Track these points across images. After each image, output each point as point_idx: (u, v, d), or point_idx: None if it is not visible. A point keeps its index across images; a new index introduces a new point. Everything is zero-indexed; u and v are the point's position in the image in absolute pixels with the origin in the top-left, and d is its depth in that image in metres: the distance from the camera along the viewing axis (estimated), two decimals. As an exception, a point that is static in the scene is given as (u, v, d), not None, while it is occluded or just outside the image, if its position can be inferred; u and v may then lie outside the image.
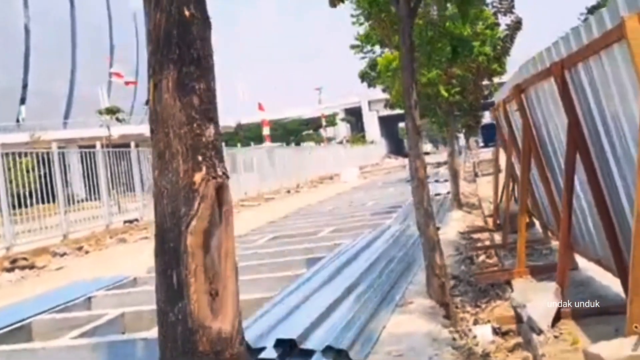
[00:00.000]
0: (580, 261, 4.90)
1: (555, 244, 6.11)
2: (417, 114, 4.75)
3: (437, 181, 19.49)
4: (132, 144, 18.40)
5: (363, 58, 11.56)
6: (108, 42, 71.36)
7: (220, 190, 1.88)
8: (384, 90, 16.48)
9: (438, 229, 9.18)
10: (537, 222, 7.11)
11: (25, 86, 60.45)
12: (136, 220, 17.67)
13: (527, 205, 5.82)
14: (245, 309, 5.68)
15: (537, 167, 5.31)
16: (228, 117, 72.25)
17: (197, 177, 1.80)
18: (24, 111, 57.44)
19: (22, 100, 58.86)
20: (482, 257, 6.73)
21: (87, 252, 13.10)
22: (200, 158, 1.82)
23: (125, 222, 17.26)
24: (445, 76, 10.60)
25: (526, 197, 5.48)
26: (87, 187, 16.91)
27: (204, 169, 1.82)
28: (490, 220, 8.71)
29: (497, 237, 7.31)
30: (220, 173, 1.88)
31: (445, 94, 10.41)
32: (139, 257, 11.12)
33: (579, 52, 3.36)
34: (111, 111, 35.23)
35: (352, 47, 11.66)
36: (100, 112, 35.68)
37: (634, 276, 2.54)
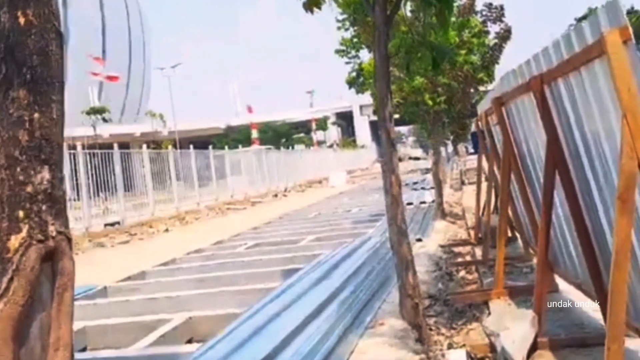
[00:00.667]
0: (562, 283, 4.68)
1: (536, 261, 5.89)
2: (392, 126, 4.52)
3: (423, 188, 19.31)
4: (115, 145, 18.06)
5: (348, 63, 11.36)
6: (100, 41, 71.19)
7: (56, 257, 1.45)
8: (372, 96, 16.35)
9: (420, 240, 9.04)
10: (519, 236, 6.91)
11: (13, 83, 59.72)
12: (117, 223, 17.35)
13: (507, 223, 5.60)
14: (212, 326, 5.45)
15: (517, 182, 5.10)
16: (219, 118, 72.11)
17: (14, 241, 1.37)
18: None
19: (11, 98, 58.23)
20: (462, 273, 6.51)
21: (62, 257, 12.75)
22: (21, 214, 1.40)
23: (106, 225, 16.94)
24: (431, 84, 10.42)
25: (506, 215, 5.26)
26: (74, 188, 16.68)
27: (24, 229, 1.39)
28: (473, 233, 8.50)
29: (479, 252, 7.10)
30: (53, 233, 1.44)
31: (430, 103, 10.23)
32: (115, 264, 10.83)
33: (558, 67, 3.14)
34: (97, 111, 34.65)
35: (337, 51, 11.48)
36: (87, 113, 35.08)
37: (612, 318, 2.31)
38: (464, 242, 8.04)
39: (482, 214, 7.83)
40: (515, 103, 4.41)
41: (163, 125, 55.57)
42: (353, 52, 11.06)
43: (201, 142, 37.30)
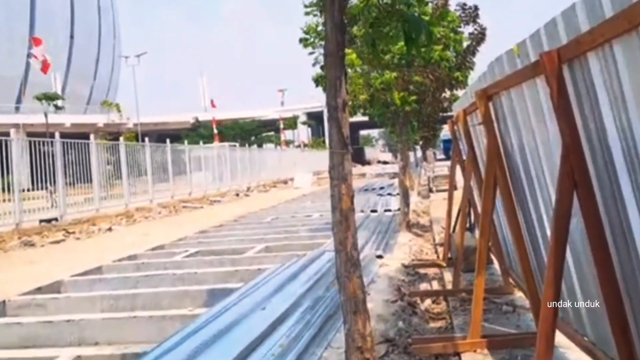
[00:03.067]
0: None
1: (519, 295, 4.83)
2: (345, 118, 3.38)
3: (390, 194, 18.34)
4: (57, 134, 16.49)
5: (312, 53, 10.18)
6: (68, 29, 69.28)
7: None
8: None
9: (380, 257, 7.93)
10: (495, 260, 5.83)
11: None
12: (55, 219, 15.79)
13: (487, 250, 4.52)
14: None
15: (503, 199, 4.01)
16: (188, 112, 70.24)
17: None
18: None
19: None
20: (427, 302, 5.40)
21: (-20, 257, 11.24)
22: None
23: (41, 221, 15.36)
24: (402, 80, 9.36)
25: (487, 241, 4.16)
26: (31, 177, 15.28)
27: None
28: (441, 250, 7.41)
29: (448, 276, 6.01)
30: None
31: (398, 101, 9.16)
32: (35, 269, 9.42)
33: (591, 34, 2.03)
34: (49, 97, 32.38)
35: (301, 40, 10.30)
36: (37, 98, 32.56)
37: None
38: (430, 264, 6.93)
39: (453, 230, 6.76)
40: (508, 95, 3.31)
41: (120, 116, 53.21)
42: (317, 41, 9.91)
43: (170, 136, 35.70)
